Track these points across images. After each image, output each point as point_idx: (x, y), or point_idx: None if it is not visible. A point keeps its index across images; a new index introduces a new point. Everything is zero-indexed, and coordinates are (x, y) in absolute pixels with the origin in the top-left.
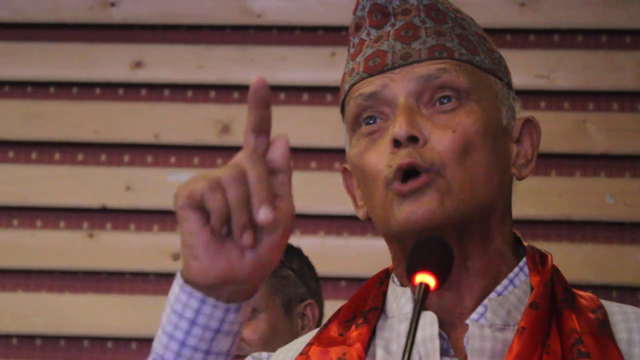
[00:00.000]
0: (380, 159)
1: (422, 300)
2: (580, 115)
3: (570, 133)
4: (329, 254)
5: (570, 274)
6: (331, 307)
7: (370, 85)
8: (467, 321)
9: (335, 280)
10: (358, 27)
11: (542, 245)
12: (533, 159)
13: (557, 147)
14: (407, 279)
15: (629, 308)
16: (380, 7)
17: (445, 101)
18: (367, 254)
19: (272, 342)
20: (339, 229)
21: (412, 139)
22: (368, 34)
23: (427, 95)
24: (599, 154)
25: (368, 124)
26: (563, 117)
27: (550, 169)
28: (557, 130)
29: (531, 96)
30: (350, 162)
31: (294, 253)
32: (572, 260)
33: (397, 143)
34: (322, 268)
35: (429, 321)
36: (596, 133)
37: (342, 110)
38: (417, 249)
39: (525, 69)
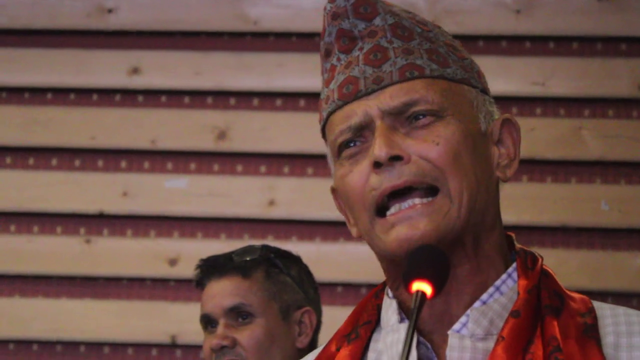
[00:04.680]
0: (362, 181)
1: (419, 307)
2: (575, 122)
3: (565, 140)
4: (326, 259)
5: (566, 280)
6: (328, 312)
7: (353, 117)
8: (449, 332)
9: (332, 286)
10: (328, 53)
11: (537, 252)
12: (516, 157)
13: (552, 154)
14: (404, 287)
15: (621, 310)
16: (346, 32)
17: (421, 117)
18: (363, 260)
19: (268, 348)
20: (335, 235)
21: (395, 158)
22: (338, 60)
23: (402, 115)
24: (594, 161)
25: (349, 147)
26: (559, 123)
27: (546, 176)
28: (552, 136)
29: (527, 103)
30: (336, 187)
31: (293, 260)
32: (568, 267)
33: (377, 165)
34: (319, 274)
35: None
36: (592, 140)
37: (324, 135)
38: (413, 257)
39: (521, 75)
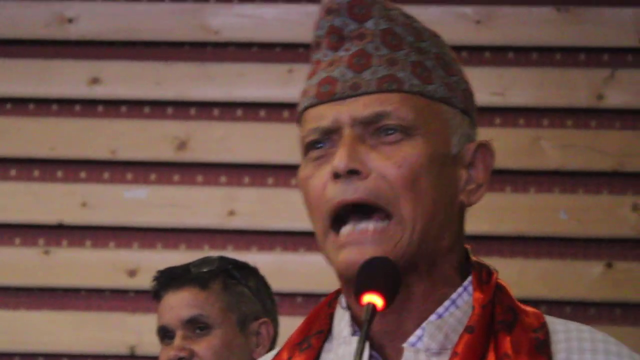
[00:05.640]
0: (321, 189)
1: (370, 320)
2: (534, 132)
3: (524, 149)
4: (286, 270)
5: (525, 290)
6: (288, 323)
7: (323, 120)
8: (404, 345)
9: (292, 296)
10: (317, 45)
11: (496, 261)
12: (485, 183)
13: (511, 164)
14: (354, 299)
15: (573, 326)
16: (336, 30)
17: (390, 132)
18: (324, 270)
19: (225, 359)
20: (295, 245)
21: (353, 172)
22: (325, 55)
23: (372, 126)
24: (553, 170)
25: (316, 147)
26: (518, 133)
27: (505, 185)
28: (512, 146)
29: (486, 113)
30: (299, 184)
31: (250, 272)
32: (527, 276)
33: (336, 175)
34: (279, 284)
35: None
36: (550, 149)
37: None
38: (365, 269)
39: (481, 86)
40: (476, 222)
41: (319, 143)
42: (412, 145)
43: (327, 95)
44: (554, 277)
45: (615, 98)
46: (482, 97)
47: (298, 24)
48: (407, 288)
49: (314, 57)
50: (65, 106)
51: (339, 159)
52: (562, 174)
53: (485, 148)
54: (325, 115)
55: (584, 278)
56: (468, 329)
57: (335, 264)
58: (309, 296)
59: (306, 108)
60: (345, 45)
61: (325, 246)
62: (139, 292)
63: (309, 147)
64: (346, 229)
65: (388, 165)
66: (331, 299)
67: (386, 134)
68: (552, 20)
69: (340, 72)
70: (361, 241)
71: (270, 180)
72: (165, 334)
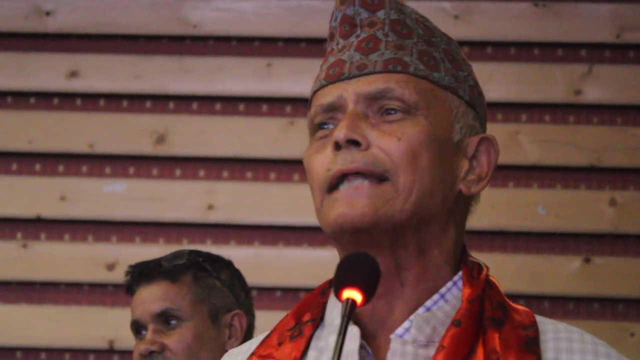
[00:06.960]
0: (324, 162)
1: (349, 315)
2: (513, 127)
3: (503, 144)
4: (264, 264)
5: (503, 285)
6: (267, 317)
7: (328, 96)
8: (391, 336)
9: (271, 290)
10: (332, 37)
11: (475, 256)
12: (487, 176)
13: None
14: (335, 295)
15: (562, 326)
16: (349, 19)
17: (392, 112)
18: (302, 265)
19: (197, 352)
20: (274, 240)
21: (353, 142)
22: (337, 44)
23: (376, 105)
24: (531, 165)
25: (322, 128)
26: (496, 128)
27: None
28: None
29: None
30: (304, 161)
31: (224, 264)
32: (505, 271)
33: (337, 146)
34: (257, 278)
35: (352, 335)
36: (529, 144)
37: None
38: (345, 264)
39: None
40: None
41: (325, 124)
42: (412, 123)
43: (335, 76)
44: (532, 272)
45: (593, 93)
46: None
47: (277, 18)
48: (399, 272)
49: (328, 48)
50: (43, 99)
51: (339, 130)
52: (540, 169)
53: (489, 142)
54: (331, 93)
55: (562, 273)
56: (455, 323)
57: (327, 223)
58: (287, 290)
59: (316, 91)
60: (356, 33)
61: (321, 211)
62: (118, 286)
63: (315, 128)
64: (343, 186)
65: (388, 140)
66: (324, 288)
67: (388, 114)
68: (530, 16)
69: (349, 55)
70: (354, 195)
71: (249, 175)
72: (138, 328)
